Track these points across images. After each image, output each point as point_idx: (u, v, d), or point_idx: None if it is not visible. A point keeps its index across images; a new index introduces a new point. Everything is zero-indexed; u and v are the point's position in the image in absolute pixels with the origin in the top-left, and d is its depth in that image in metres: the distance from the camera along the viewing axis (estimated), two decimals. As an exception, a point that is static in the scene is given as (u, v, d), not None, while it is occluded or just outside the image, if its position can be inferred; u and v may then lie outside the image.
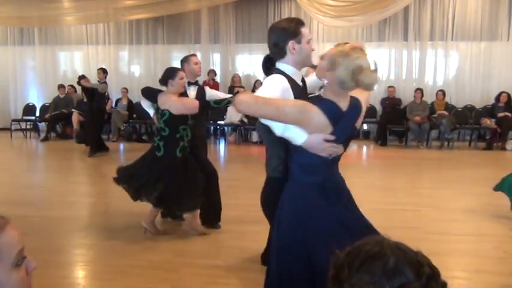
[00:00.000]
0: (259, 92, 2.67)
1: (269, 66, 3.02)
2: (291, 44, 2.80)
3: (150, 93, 5.03)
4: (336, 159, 2.60)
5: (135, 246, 4.92)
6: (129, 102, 12.91)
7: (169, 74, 4.91)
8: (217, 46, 13.06)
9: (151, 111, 5.16)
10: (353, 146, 11.69)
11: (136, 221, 5.68)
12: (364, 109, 2.62)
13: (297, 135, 2.45)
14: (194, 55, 5.50)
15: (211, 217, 5.35)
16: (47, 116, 12.95)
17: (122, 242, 5.06)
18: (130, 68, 14.15)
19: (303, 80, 3.01)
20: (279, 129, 2.51)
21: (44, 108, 13.64)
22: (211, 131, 12.99)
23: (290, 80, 2.81)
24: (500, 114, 10.99)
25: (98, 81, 10.51)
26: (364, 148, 11.76)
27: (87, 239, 5.29)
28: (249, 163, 9.60)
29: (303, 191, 2.54)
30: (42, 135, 12.94)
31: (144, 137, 12.69)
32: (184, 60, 5.38)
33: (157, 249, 4.83)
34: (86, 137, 10.52)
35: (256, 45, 12.78)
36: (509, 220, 5.68)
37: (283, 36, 2.82)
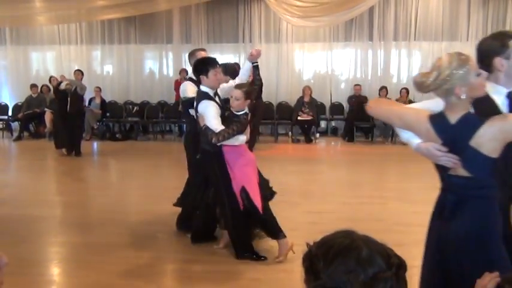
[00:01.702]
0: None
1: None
2: (498, 60, 2.55)
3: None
4: (463, 181, 2.45)
5: (109, 243, 4.96)
6: (102, 101, 13.00)
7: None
8: (189, 46, 13.12)
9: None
10: (321, 143, 12.13)
11: (110, 218, 5.73)
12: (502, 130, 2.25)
13: (411, 140, 2.52)
14: (203, 50, 5.03)
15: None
16: (19, 115, 12.92)
17: (96, 239, 5.10)
18: (103, 68, 14.18)
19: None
20: (400, 132, 2.61)
21: (16, 108, 13.56)
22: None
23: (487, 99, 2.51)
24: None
25: (75, 82, 10.62)
26: (332, 144, 12.18)
27: (62, 236, 5.35)
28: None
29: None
30: (15, 134, 12.89)
31: (117, 136, 12.79)
32: (191, 54, 4.97)
33: (132, 246, 4.88)
34: (73, 141, 10.25)
35: (227, 45, 13.09)
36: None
37: (489, 53, 2.58)
